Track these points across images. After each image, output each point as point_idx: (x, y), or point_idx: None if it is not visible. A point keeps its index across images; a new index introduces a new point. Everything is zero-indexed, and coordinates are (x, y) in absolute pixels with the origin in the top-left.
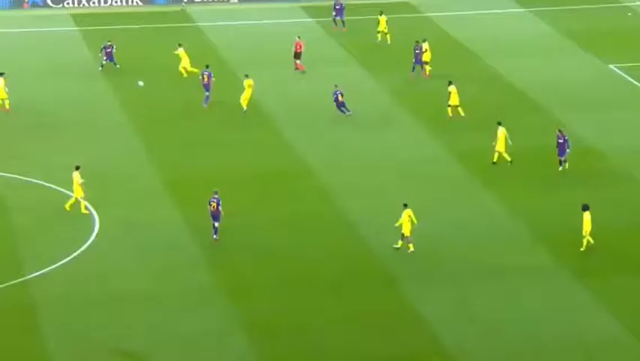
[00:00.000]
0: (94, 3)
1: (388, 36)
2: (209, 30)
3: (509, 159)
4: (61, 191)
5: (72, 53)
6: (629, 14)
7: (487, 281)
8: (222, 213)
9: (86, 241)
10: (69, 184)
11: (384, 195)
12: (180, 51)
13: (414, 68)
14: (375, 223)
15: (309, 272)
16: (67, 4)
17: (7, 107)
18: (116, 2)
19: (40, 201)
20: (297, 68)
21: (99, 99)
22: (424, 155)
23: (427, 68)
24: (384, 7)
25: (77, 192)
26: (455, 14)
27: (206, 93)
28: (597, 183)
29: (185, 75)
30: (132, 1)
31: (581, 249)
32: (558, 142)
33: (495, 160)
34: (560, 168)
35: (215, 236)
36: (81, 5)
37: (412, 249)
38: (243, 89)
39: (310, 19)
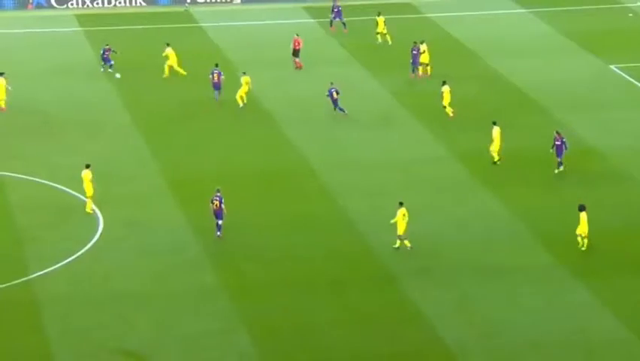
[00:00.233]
0: (97, 4)
1: (388, 36)
2: (212, 30)
3: (496, 159)
4: (65, 190)
5: (76, 54)
6: (630, 15)
7: (488, 280)
8: (225, 210)
9: (90, 240)
10: (73, 183)
11: (386, 195)
12: (169, 50)
13: (413, 69)
14: (377, 222)
15: (311, 271)
16: (71, 4)
17: (4, 106)
18: (119, 3)
19: (44, 201)
20: (297, 67)
21: (103, 99)
22: (424, 154)
23: (428, 68)
24: (386, 8)
25: (88, 190)
26: (456, 15)
27: (216, 92)
28: (597, 183)
29: (166, 74)
30: (136, 2)
31: (582, 248)
32: (555, 144)
33: (495, 160)
34: (557, 171)
35: (218, 233)
36: (85, 6)
37: (409, 245)
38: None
39: (312, 20)
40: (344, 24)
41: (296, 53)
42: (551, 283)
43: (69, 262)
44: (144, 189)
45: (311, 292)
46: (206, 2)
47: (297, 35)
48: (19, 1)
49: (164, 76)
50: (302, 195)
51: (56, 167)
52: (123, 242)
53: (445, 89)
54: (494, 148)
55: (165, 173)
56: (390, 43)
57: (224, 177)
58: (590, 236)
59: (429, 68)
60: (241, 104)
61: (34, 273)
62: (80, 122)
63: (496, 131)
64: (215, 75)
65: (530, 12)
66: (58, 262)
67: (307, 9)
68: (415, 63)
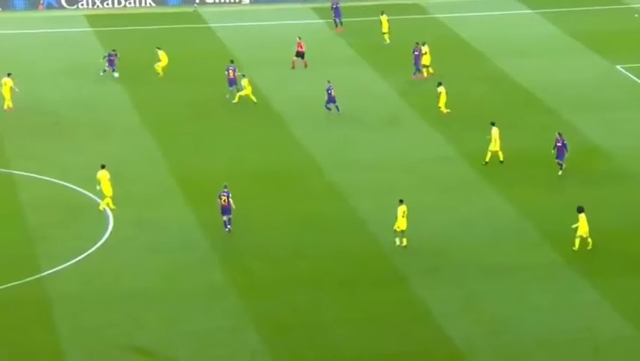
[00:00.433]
0: (107, 4)
1: (386, 36)
2: (220, 31)
3: (488, 160)
4: (75, 189)
5: (86, 54)
6: (636, 15)
7: (495, 279)
8: (233, 205)
9: (100, 239)
10: (83, 183)
11: (393, 194)
12: (160, 53)
13: (414, 70)
14: (385, 221)
15: (319, 270)
16: (82, 5)
17: (9, 106)
18: (129, 3)
19: (55, 200)
20: (305, 66)
21: (113, 99)
22: (432, 154)
23: (429, 69)
24: (394, 9)
25: (107, 190)
26: (463, 15)
27: (230, 88)
28: (603, 182)
29: (161, 74)
30: (145, 3)
31: (575, 249)
32: (557, 145)
33: (502, 159)
34: (560, 172)
35: (228, 227)
36: (95, 6)
37: (398, 243)
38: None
39: (320, 20)
40: (341, 22)
41: (300, 55)
42: (558, 282)
43: (80, 260)
44: (154, 188)
45: (319, 290)
46: (214, 3)
47: (300, 38)
48: (29, 2)
49: (159, 76)
50: (310, 195)
51: (67, 166)
52: (133, 240)
53: (441, 89)
54: (494, 148)
55: (174, 172)
56: (387, 42)
57: (232, 176)
58: (595, 235)
59: (429, 69)
60: (255, 100)
61: (46, 271)
62: (90, 122)
63: (495, 131)
64: (230, 71)
65: (536, 13)
66: (69, 261)
67: (315, 9)
68: (417, 64)
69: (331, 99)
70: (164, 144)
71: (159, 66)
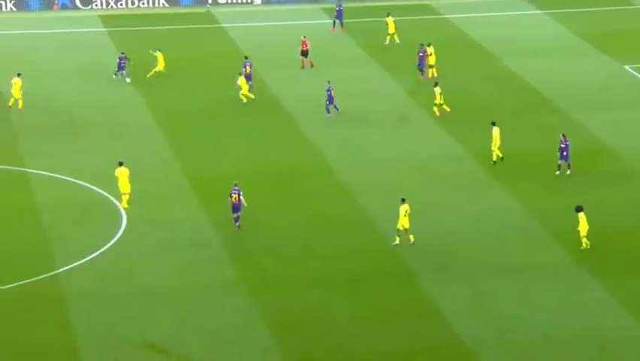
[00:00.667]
0: (121, 5)
1: (388, 37)
2: (232, 31)
3: (495, 159)
4: (89, 188)
5: (100, 54)
6: None
7: (503, 277)
8: (244, 202)
9: (114, 236)
10: (97, 181)
11: (402, 193)
12: (158, 54)
13: (422, 71)
14: (394, 220)
15: (329, 268)
16: (95, 5)
17: (11, 105)
18: (142, 4)
19: (69, 198)
20: (311, 65)
21: (125, 99)
22: (440, 153)
23: (433, 70)
24: (405, 10)
25: (125, 188)
26: (474, 16)
27: (249, 82)
28: (611, 182)
29: (150, 75)
30: (158, 3)
31: (587, 247)
32: (560, 147)
33: (495, 159)
34: (558, 172)
35: (238, 223)
36: (109, 7)
37: (397, 242)
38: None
39: (330, 21)
40: (341, 24)
41: (305, 53)
42: (565, 281)
43: (94, 257)
44: (166, 187)
45: (329, 288)
46: (227, 3)
47: (304, 37)
48: (44, 2)
49: (147, 76)
50: (320, 194)
51: (80, 165)
52: (146, 238)
53: (437, 90)
54: (495, 147)
55: (186, 171)
56: (387, 43)
57: (244, 175)
58: (603, 235)
59: (434, 69)
60: (245, 100)
61: (60, 268)
62: (103, 122)
63: (495, 131)
64: (247, 67)
65: (546, 13)
66: (83, 258)
67: (326, 10)
68: (422, 65)
69: (331, 100)
70: (177, 143)
71: (157, 68)
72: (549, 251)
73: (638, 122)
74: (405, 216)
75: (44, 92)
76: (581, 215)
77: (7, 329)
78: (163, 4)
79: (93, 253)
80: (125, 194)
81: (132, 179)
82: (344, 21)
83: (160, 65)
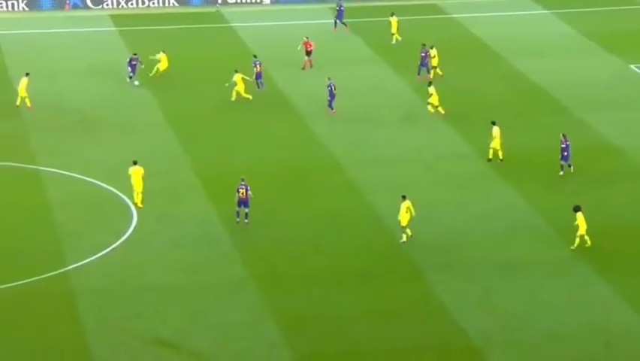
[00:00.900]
0: (132, 4)
1: (394, 37)
2: (242, 30)
3: (491, 156)
4: (100, 185)
5: (110, 53)
6: None
7: (510, 274)
8: (251, 195)
9: (124, 233)
10: (108, 179)
11: (410, 190)
12: (161, 56)
13: (427, 70)
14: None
15: (338, 264)
16: (106, 5)
17: (18, 104)
18: (152, 3)
19: (80, 195)
20: (310, 65)
21: (136, 98)
22: (448, 151)
23: (436, 71)
24: (414, 9)
25: (138, 186)
26: (481, 16)
27: (259, 80)
28: (616, 180)
29: (151, 74)
30: (168, 3)
31: (573, 247)
32: (561, 147)
33: (490, 157)
34: (562, 173)
35: (246, 220)
36: (119, 6)
37: (404, 239)
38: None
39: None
40: (343, 24)
41: (307, 53)
42: (571, 277)
43: (104, 254)
44: (176, 184)
45: (337, 285)
46: (236, 3)
47: (307, 38)
48: (56, 2)
49: (150, 75)
50: (330, 191)
51: (91, 163)
52: (156, 235)
53: (432, 89)
54: (495, 146)
55: (197, 168)
56: (393, 42)
57: (253, 172)
58: (609, 232)
59: (436, 70)
60: (234, 99)
61: (71, 265)
62: (114, 120)
63: (495, 130)
64: (258, 66)
65: (552, 13)
66: (93, 255)
67: (334, 10)
68: (423, 65)
69: (332, 96)
70: (187, 141)
71: (158, 68)
72: (555, 248)
73: None
74: (406, 212)
75: (56, 90)
76: (579, 215)
77: (18, 326)
78: (173, 3)
79: (103, 249)
80: (138, 193)
81: (144, 176)
82: (345, 20)
83: (163, 65)
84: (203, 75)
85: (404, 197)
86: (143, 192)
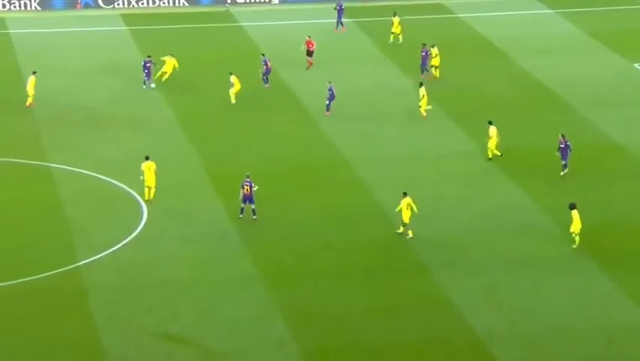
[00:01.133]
0: (142, 4)
1: (400, 36)
2: (251, 30)
3: (490, 156)
4: (110, 182)
5: (122, 52)
6: None
7: (515, 270)
8: (255, 189)
9: (135, 229)
10: (118, 175)
11: (416, 187)
12: (168, 58)
13: (426, 69)
14: (412, 214)
15: (345, 261)
16: (118, 4)
17: (30, 102)
18: (163, 3)
19: (91, 191)
20: (310, 65)
21: (147, 96)
22: (454, 149)
23: (437, 71)
24: (420, 9)
25: (151, 181)
26: (486, 15)
27: (267, 76)
28: (620, 177)
29: (158, 76)
30: (178, 2)
31: (574, 246)
32: (560, 147)
33: (490, 156)
34: (562, 173)
35: (254, 216)
36: (130, 6)
37: (410, 235)
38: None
39: (346, 20)
40: (341, 23)
41: (309, 53)
42: (575, 274)
43: (115, 250)
44: (186, 181)
45: (344, 281)
46: (245, 2)
47: (309, 37)
48: (68, 1)
49: (156, 77)
50: (337, 188)
51: (102, 160)
52: (166, 231)
53: (422, 91)
54: (492, 145)
55: (206, 166)
56: (391, 41)
57: (262, 170)
58: (613, 229)
59: (438, 70)
60: (234, 101)
61: (82, 261)
62: (124, 118)
63: (492, 130)
64: (269, 63)
65: (557, 12)
66: (104, 251)
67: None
68: (424, 64)
69: (331, 98)
70: (196, 138)
71: (162, 71)
72: (559, 245)
73: None
74: (407, 209)
75: (67, 88)
76: (574, 213)
77: (29, 321)
78: (183, 3)
79: (114, 245)
80: (150, 187)
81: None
82: (341, 21)
83: (168, 68)
84: (213, 74)
85: (405, 194)
86: (155, 187)
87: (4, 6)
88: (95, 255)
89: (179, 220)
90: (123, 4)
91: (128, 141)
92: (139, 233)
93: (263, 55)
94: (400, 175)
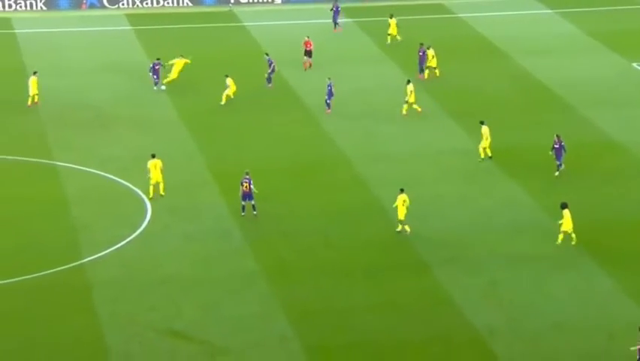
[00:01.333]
0: (147, 4)
1: (398, 37)
2: (254, 29)
3: (483, 156)
4: (115, 180)
5: (126, 52)
6: None
7: (515, 268)
8: (254, 190)
9: (139, 227)
10: (123, 173)
11: (417, 185)
12: (178, 60)
13: (422, 70)
14: (409, 212)
15: (347, 258)
16: (122, 4)
17: (32, 101)
18: (167, 3)
19: (96, 189)
20: (309, 66)
21: (151, 96)
22: (453, 147)
23: (436, 71)
24: (420, 9)
25: (157, 178)
26: (486, 15)
27: (271, 75)
28: (620, 176)
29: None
30: (182, 2)
31: (558, 243)
32: (554, 147)
33: (483, 157)
34: (557, 173)
35: (254, 212)
36: (135, 6)
37: (408, 230)
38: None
39: (349, 20)
40: (336, 24)
41: (308, 53)
42: (575, 271)
43: (119, 247)
44: (190, 179)
45: (346, 278)
46: (249, 2)
47: (308, 37)
48: (73, 1)
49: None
50: (338, 186)
51: (107, 158)
52: (170, 229)
53: (410, 87)
54: (484, 145)
55: (210, 164)
56: (388, 43)
57: (265, 168)
58: (612, 227)
59: (437, 70)
60: (224, 102)
61: (87, 258)
62: (129, 117)
63: (484, 130)
64: (274, 63)
65: (556, 12)
66: (109, 248)
67: (344, 9)
68: (422, 64)
69: (330, 95)
70: (200, 137)
71: (170, 78)
72: (563, 242)
73: None
74: (402, 205)
75: (73, 88)
76: (566, 212)
77: (35, 317)
78: (187, 3)
79: (118, 243)
80: (158, 183)
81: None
82: (337, 21)
83: (175, 73)
84: (216, 73)
85: (402, 190)
86: (163, 182)
87: (10, 6)
88: (100, 252)
89: (183, 218)
90: (128, 4)
91: (132, 140)
92: (143, 230)
93: (267, 54)
94: (401, 173)
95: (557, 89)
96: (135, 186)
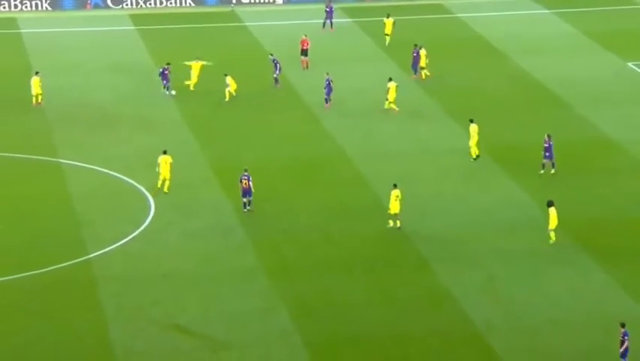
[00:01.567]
0: (150, 4)
1: (388, 38)
2: (256, 29)
3: (474, 156)
4: (119, 177)
5: (130, 52)
6: None
7: (513, 264)
8: (252, 188)
9: (142, 223)
10: (126, 171)
11: (416, 183)
12: (195, 62)
13: (415, 70)
14: (408, 209)
15: (347, 254)
16: (126, 5)
17: (36, 101)
18: (170, 3)
19: (100, 187)
20: (307, 65)
21: (154, 95)
22: (453, 146)
23: (425, 71)
24: (419, 9)
25: (166, 174)
26: (485, 15)
27: (278, 73)
28: (617, 174)
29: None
30: (185, 3)
31: (550, 242)
32: (544, 146)
33: (474, 156)
34: (542, 172)
35: (249, 207)
36: (138, 6)
37: (399, 225)
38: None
39: (349, 20)
40: (331, 24)
41: (304, 52)
42: (572, 267)
43: (123, 243)
44: (193, 177)
45: (347, 273)
46: (250, 3)
47: (305, 36)
48: (78, 2)
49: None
50: (339, 183)
51: (111, 156)
52: (173, 226)
53: (391, 85)
54: (472, 144)
55: (212, 162)
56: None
57: (266, 165)
58: (610, 224)
59: (426, 71)
60: (228, 99)
61: (92, 254)
62: (132, 116)
63: (473, 128)
64: (279, 64)
65: (553, 13)
66: (113, 244)
67: (344, 9)
68: (415, 65)
69: (329, 91)
70: (202, 136)
71: (189, 82)
72: (556, 239)
73: None
74: (395, 200)
75: (77, 87)
76: (551, 210)
77: (40, 311)
78: (189, 3)
79: (123, 239)
80: (165, 180)
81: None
82: (331, 21)
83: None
84: (217, 73)
85: (395, 185)
86: (169, 180)
87: (15, 6)
88: (104, 248)
89: (186, 215)
90: (131, 4)
91: (136, 139)
92: (146, 227)
93: (271, 55)
94: (400, 170)
95: (554, 89)
96: (139, 183)
